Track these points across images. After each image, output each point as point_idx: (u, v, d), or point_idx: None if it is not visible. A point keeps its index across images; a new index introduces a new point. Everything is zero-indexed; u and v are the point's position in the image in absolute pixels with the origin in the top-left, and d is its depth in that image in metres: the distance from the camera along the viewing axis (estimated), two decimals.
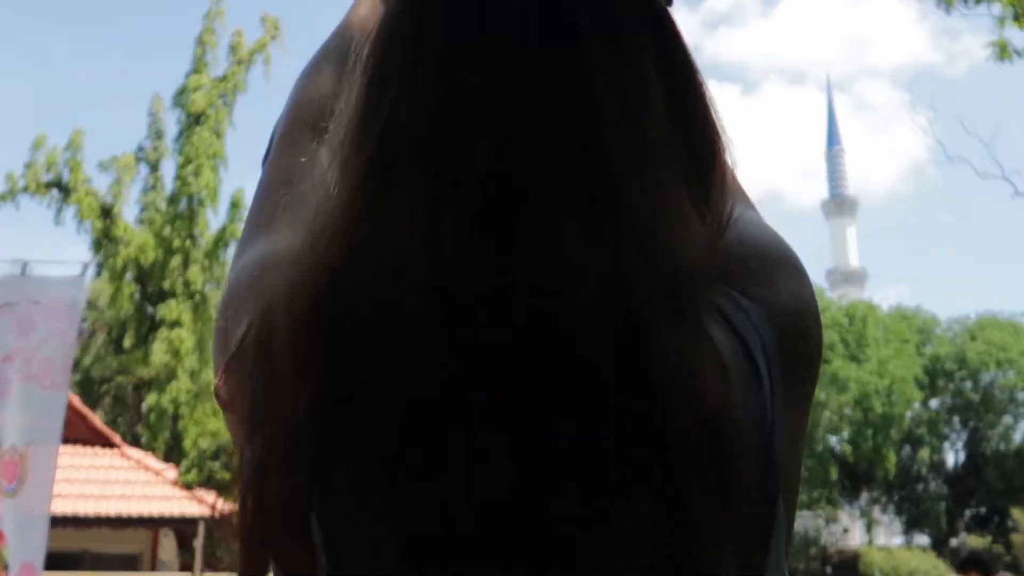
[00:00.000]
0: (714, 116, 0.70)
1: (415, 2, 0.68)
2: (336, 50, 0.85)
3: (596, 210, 0.61)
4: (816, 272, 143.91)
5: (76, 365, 34.56)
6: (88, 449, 10.66)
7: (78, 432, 10.85)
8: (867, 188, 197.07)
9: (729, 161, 0.71)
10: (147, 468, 10.35)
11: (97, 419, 11.15)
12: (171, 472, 10.71)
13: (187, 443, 22.12)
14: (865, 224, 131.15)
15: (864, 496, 62.16)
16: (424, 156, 0.63)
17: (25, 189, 22.04)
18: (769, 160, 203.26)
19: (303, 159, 0.77)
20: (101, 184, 23.79)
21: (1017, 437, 60.01)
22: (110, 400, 28.17)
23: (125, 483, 10.35)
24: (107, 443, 10.73)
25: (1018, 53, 7.96)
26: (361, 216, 0.62)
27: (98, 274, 26.54)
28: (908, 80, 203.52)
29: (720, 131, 0.70)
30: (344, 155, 0.65)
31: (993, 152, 8.41)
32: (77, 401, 10.92)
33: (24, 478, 4.35)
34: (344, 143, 0.66)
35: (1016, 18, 7.92)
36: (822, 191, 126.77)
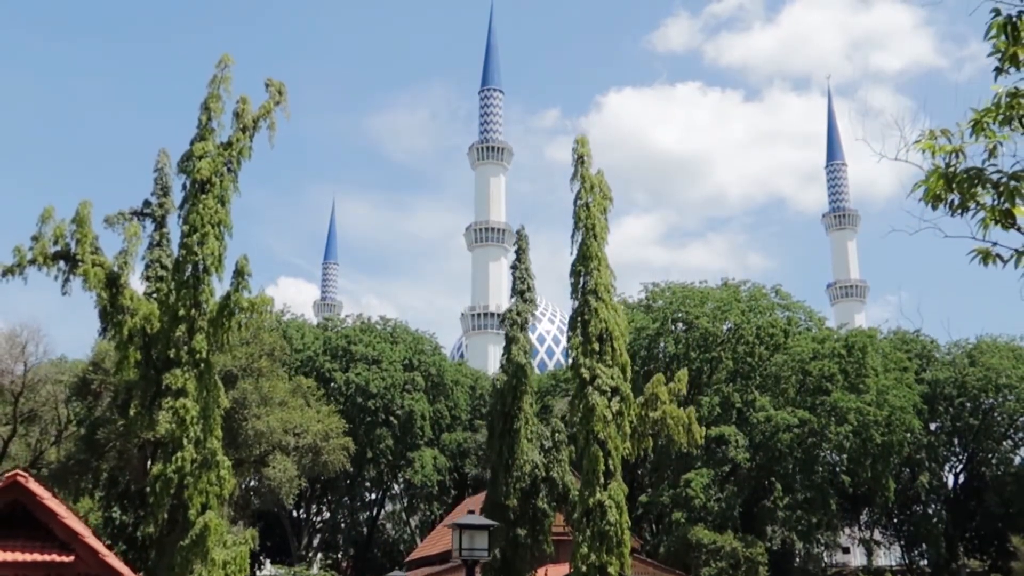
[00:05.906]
0: None
1: None
2: None
3: None
4: (817, 286, 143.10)
5: (80, 423, 34.75)
6: None
7: (88, 567, 11.09)
8: (870, 193, 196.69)
9: None
10: None
11: (111, 556, 11.33)
12: None
13: (192, 512, 22.41)
14: (866, 231, 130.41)
15: (864, 518, 62.29)
16: None
17: (32, 262, 22.33)
18: (770, 165, 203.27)
19: None
20: (106, 242, 24.11)
21: (1017, 461, 60.03)
22: (114, 455, 28.48)
23: None
24: None
25: (1002, 259, 8.09)
26: None
27: (103, 334, 26.82)
28: (912, 85, 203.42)
29: None
30: None
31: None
32: (93, 540, 11.09)
33: None
34: None
35: (998, 222, 8.06)
36: (824, 197, 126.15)
